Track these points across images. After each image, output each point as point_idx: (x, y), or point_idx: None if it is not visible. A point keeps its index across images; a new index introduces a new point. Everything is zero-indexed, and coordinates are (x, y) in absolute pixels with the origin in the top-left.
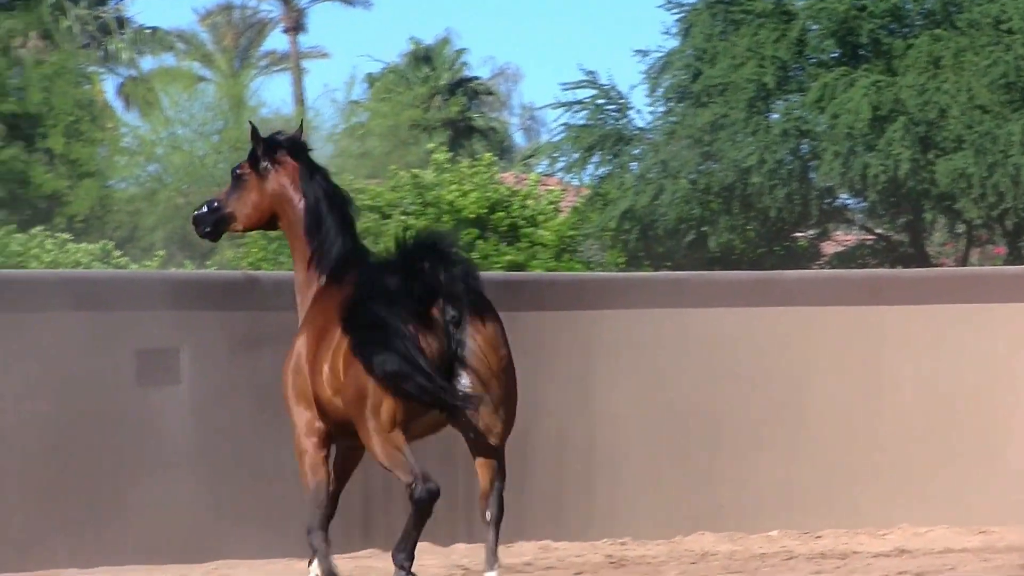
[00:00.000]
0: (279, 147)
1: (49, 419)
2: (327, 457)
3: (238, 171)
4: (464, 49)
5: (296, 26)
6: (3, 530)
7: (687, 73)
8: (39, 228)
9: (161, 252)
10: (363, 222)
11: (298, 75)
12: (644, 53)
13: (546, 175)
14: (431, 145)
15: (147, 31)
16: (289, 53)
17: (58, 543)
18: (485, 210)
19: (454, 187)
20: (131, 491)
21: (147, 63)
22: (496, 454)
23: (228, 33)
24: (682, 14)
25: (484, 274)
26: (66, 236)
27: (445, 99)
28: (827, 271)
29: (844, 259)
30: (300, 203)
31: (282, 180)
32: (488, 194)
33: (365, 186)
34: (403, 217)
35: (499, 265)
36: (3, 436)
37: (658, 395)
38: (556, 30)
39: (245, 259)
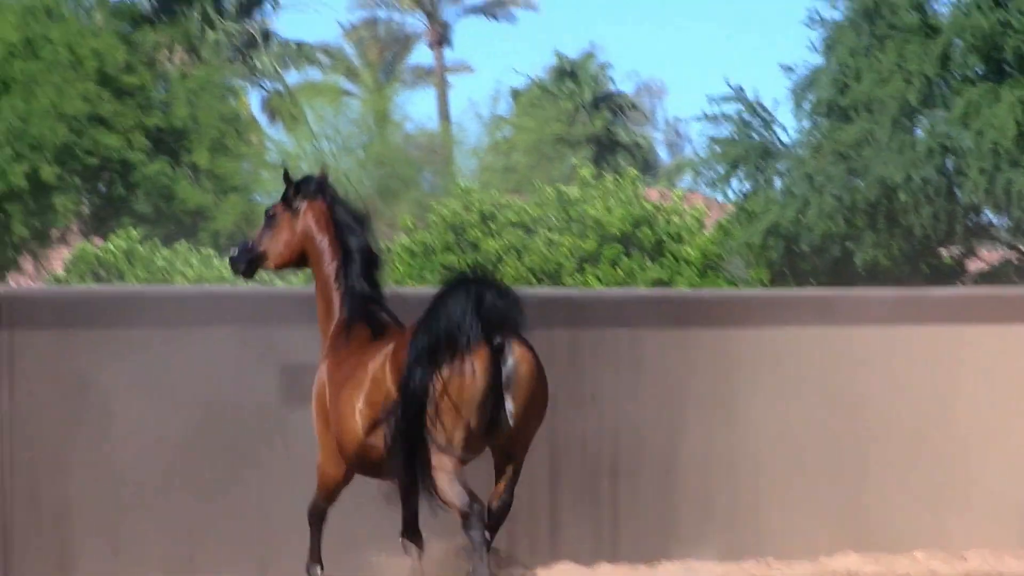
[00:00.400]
0: (308, 189)
1: (194, 434)
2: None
3: (271, 212)
4: (608, 64)
5: (441, 40)
6: (148, 542)
7: (833, 88)
8: (184, 243)
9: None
10: (507, 237)
11: (443, 89)
12: (789, 69)
13: (690, 191)
14: (575, 160)
15: (292, 45)
16: (434, 67)
17: (206, 556)
18: (630, 226)
19: (599, 203)
20: (273, 507)
21: (292, 77)
22: (516, 470)
23: (373, 47)
24: (826, 31)
25: (629, 291)
26: (210, 251)
27: (589, 114)
28: (976, 288)
29: (988, 277)
30: (323, 241)
31: (308, 220)
32: (633, 210)
33: (510, 201)
34: (547, 232)
35: (644, 282)
36: (148, 451)
37: (802, 413)
38: (699, 45)
39: (391, 275)
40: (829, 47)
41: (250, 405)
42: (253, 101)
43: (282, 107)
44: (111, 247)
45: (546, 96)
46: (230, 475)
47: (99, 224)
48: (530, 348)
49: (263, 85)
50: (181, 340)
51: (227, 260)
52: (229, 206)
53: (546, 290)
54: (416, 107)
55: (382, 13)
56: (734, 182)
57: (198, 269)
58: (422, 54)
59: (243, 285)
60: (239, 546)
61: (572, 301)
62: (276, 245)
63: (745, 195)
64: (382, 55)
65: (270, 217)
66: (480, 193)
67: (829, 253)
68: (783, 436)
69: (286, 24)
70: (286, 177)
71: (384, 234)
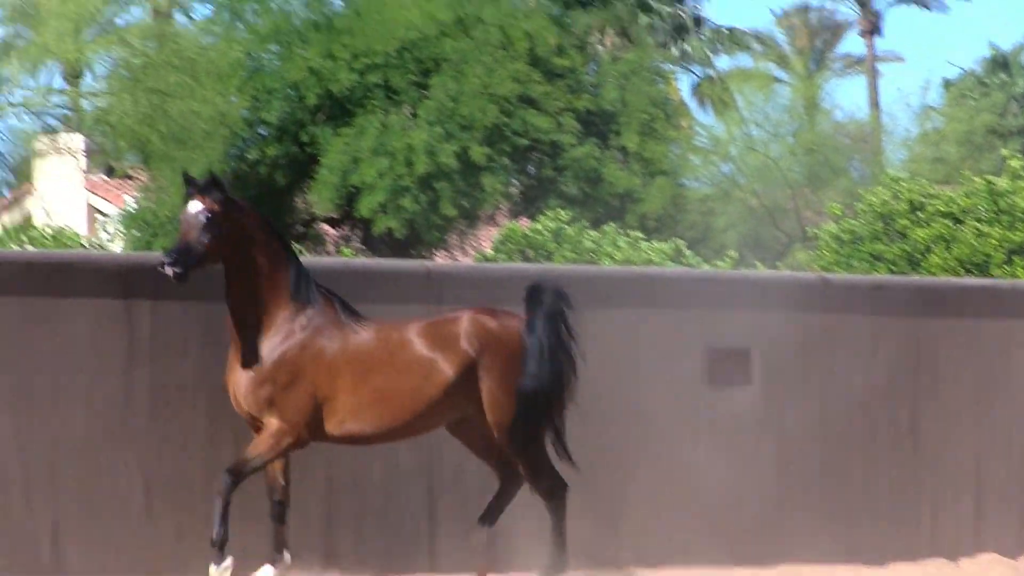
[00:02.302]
0: (231, 196)
1: (614, 414)
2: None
3: (208, 211)
4: None
5: (872, 29)
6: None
7: None
8: (611, 225)
9: (733, 253)
10: (935, 227)
11: (872, 78)
12: None
13: None
14: (1006, 152)
15: (723, 31)
16: (864, 56)
17: (622, 542)
18: None
19: None
20: (701, 489)
21: (722, 63)
22: None
23: (804, 35)
24: None
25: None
26: (638, 234)
27: (1021, 106)
28: None
29: None
30: (269, 243)
31: (250, 221)
32: None
33: (939, 191)
34: (976, 224)
35: None
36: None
37: None
38: None
39: (818, 261)
40: None
41: (675, 387)
42: (683, 86)
43: (712, 93)
44: (539, 227)
45: (978, 87)
46: (647, 456)
47: (526, 205)
48: None
49: (693, 70)
50: (609, 320)
51: (165, 270)
52: (657, 189)
53: (974, 281)
54: (846, 95)
55: (814, 0)
56: None
57: (625, 251)
58: (853, 43)
59: (673, 268)
60: (651, 530)
61: (1000, 292)
62: (218, 242)
63: None
64: (813, 43)
65: (209, 215)
66: (909, 183)
67: None
68: None
69: (717, 10)
70: (215, 178)
71: (811, 220)
